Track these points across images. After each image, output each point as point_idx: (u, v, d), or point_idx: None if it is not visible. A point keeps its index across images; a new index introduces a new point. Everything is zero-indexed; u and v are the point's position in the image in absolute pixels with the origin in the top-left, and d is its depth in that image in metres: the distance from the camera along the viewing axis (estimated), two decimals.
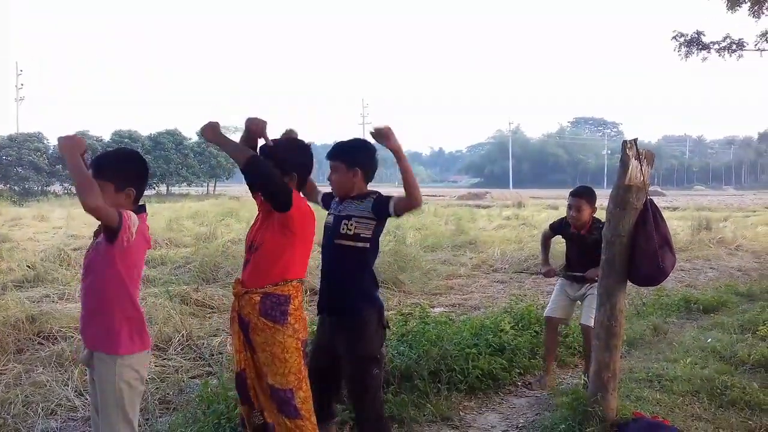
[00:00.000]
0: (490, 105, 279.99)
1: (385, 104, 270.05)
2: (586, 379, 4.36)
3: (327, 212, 3.40)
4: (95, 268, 2.57)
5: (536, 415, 4.36)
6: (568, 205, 4.87)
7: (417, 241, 14.74)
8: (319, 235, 3.25)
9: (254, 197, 3.12)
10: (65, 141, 2.46)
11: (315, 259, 4.40)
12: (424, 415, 4.17)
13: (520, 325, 5.81)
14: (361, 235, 3.12)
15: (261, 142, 2.97)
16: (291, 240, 2.85)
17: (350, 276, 3.14)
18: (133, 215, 2.51)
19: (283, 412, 2.82)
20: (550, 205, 32.01)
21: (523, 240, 15.00)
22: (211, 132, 2.80)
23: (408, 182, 3.05)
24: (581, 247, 4.87)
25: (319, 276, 3.37)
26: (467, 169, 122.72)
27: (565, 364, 5.49)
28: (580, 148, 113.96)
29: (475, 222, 19.87)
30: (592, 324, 4.50)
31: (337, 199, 3.33)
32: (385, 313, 3.28)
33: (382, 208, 3.14)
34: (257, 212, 3.09)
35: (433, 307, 8.18)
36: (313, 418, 2.89)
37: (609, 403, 3.80)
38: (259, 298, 2.83)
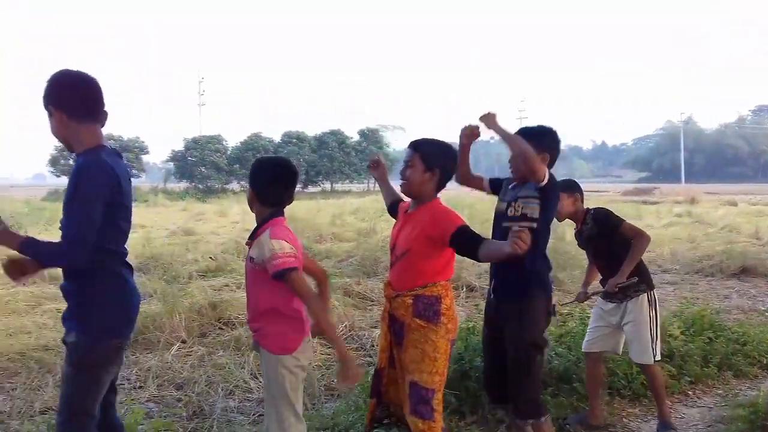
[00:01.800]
0: (658, 95, 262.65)
1: (544, 97, 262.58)
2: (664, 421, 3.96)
3: (498, 198, 3.35)
4: (252, 273, 2.78)
5: (708, 427, 4.09)
6: None
7: None
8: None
9: (393, 213, 3.32)
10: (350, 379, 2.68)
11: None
12: None
13: (691, 331, 5.44)
14: (528, 215, 3.05)
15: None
16: (439, 249, 2.89)
17: (519, 258, 3.07)
18: (279, 246, 2.64)
19: (417, 413, 2.87)
20: (728, 201, 29.46)
21: (697, 239, 13.99)
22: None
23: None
24: (587, 248, 4.20)
25: (475, 274, 3.38)
26: (633, 163, 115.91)
27: (743, 374, 5.08)
28: (764, 138, 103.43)
29: (642, 219, 18.78)
30: (650, 359, 3.94)
31: (511, 185, 3.26)
32: (554, 298, 3.21)
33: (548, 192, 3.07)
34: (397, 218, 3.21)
35: (592, 307, 7.89)
36: (441, 424, 2.93)
37: None
38: (411, 300, 2.91)
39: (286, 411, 2.72)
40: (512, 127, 3.17)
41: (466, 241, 2.78)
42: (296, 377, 2.75)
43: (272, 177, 2.83)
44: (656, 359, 3.97)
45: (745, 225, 16.86)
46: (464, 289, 8.21)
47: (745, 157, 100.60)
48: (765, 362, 5.13)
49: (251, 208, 2.88)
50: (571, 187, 4.06)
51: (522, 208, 3.07)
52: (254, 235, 2.77)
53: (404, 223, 3.05)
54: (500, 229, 3.16)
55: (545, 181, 3.01)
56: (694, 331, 5.43)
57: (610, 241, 3.99)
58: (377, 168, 3.58)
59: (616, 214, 4.06)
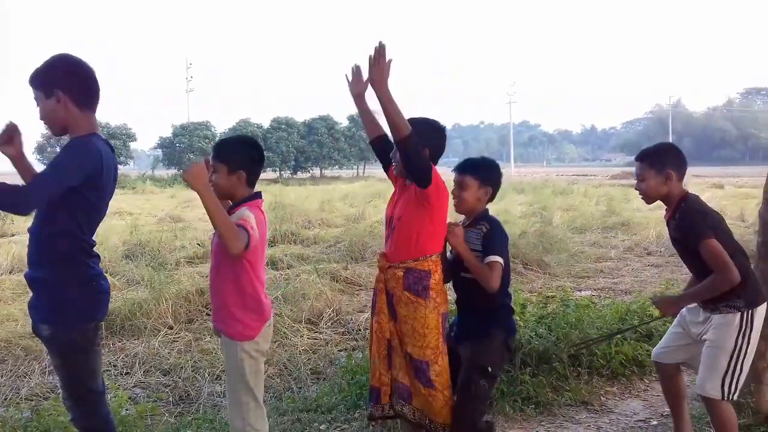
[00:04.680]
0: (647, 78, 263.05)
1: (534, 81, 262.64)
2: None
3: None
4: (218, 259, 2.76)
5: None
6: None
7: (564, 222, 14.37)
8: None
9: (387, 172, 3.27)
10: (190, 175, 2.50)
11: None
12: (562, 398, 4.17)
13: None
14: None
15: None
16: (427, 213, 2.95)
17: (482, 305, 3.07)
18: (250, 217, 2.61)
19: (419, 379, 2.98)
20: (714, 183, 29.70)
21: None
22: (381, 82, 2.79)
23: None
24: (677, 249, 3.27)
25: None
26: (622, 147, 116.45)
27: None
28: (751, 121, 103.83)
29: (629, 202, 18.88)
30: (716, 393, 3.02)
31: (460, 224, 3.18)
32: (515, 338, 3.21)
33: (488, 250, 2.98)
34: (394, 188, 3.22)
35: (579, 290, 8.01)
36: (447, 391, 2.99)
37: (763, 395, 3.60)
38: (402, 272, 2.98)
39: (246, 396, 2.72)
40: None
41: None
42: (256, 362, 2.75)
43: (257, 156, 2.84)
44: (730, 397, 3.03)
45: (731, 207, 16.99)
46: None
47: (733, 140, 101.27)
48: None
49: (231, 190, 2.75)
50: (662, 161, 3.13)
51: None
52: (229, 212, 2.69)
53: (399, 197, 3.11)
54: (459, 279, 3.13)
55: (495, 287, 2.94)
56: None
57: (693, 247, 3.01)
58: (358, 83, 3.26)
59: (711, 218, 3.03)
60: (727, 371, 2.99)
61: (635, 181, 3.28)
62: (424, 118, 3.14)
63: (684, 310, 3.26)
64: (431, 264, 2.99)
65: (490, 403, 3.17)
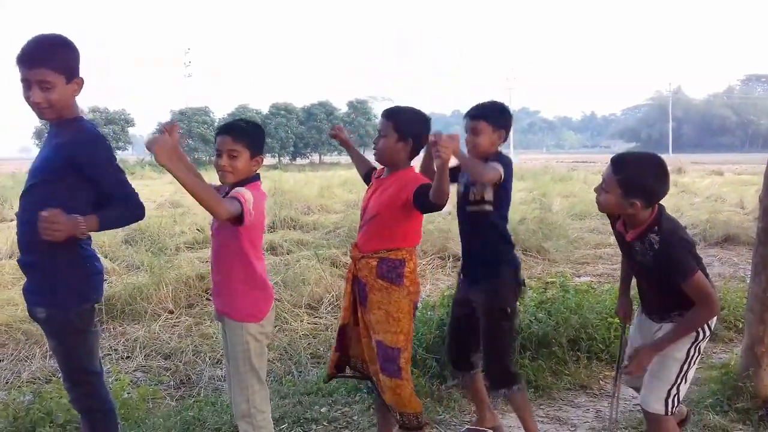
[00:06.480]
0: (648, 65, 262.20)
1: (534, 67, 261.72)
2: None
3: (457, 182, 3.30)
4: (221, 241, 2.75)
5: None
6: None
7: (564, 209, 14.38)
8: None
9: (368, 181, 3.30)
10: (155, 147, 2.23)
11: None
12: (562, 382, 4.20)
13: None
14: (485, 198, 3.10)
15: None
16: (408, 214, 2.93)
17: (484, 240, 3.16)
18: (246, 192, 2.58)
19: (385, 370, 2.93)
20: (714, 171, 29.68)
21: (682, 208, 14.11)
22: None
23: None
24: (635, 266, 2.86)
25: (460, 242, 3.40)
26: (622, 133, 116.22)
27: (718, 338, 5.20)
28: (751, 108, 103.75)
29: None
30: (661, 408, 2.72)
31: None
32: (522, 271, 3.25)
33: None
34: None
35: (578, 276, 8.03)
36: (411, 383, 2.98)
37: (762, 380, 3.60)
38: (375, 262, 2.96)
39: (251, 378, 2.74)
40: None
41: (424, 194, 2.73)
42: (261, 344, 2.77)
43: (264, 141, 2.87)
44: (673, 411, 2.75)
45: (731, 194, 17.04)
46: (451, 259, 8.31)
47: (733, 127, 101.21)
48: (740, 326, 5.24)
49: (240, 172, 2.69)
50: (636, 184, 2.63)
51: (478, 192, 3.10)
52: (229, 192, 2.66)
53: (376, 188, 3.09)
54: (464, 213, 3.23)
55: (500, 179, 3.00)
56: None
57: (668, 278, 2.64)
58: (337, 137, 3.54)
59: (689, 243, 2.68)
60: (674, 383, 2.71)
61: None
62: (411, 108, 3.12)
63: (634, 331, 3.01)
64: (405, 253, 2.97)
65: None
